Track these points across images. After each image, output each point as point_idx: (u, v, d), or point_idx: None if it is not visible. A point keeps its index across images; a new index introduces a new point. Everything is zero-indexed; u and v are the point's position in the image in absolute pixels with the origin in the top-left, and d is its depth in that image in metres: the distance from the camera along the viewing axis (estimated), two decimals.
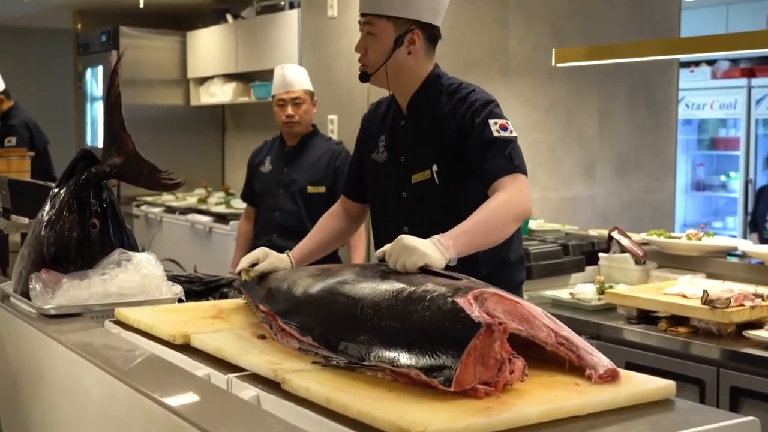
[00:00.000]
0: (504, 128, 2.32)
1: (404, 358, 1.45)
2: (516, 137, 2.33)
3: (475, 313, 1.48)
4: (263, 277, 2.12)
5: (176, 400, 1.47)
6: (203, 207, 6.96)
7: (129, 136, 2.36)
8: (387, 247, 1.85)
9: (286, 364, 1.59)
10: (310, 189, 3.99)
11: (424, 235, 2.01)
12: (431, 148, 2.41)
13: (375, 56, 2.38)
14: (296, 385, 1.47)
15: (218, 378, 1.64)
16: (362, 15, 2.38)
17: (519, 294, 2.57)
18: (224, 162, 8.39)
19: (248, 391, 1.55)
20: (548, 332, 1.60)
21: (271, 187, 4.09)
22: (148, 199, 7.58)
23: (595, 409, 1.43)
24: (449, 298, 1.52)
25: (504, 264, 2.50)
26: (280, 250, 4.03)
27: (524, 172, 2.29)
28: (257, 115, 7.74)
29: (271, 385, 1.54)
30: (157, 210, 7.32)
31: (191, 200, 7.30)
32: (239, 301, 2.21)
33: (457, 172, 2.37)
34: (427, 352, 1.44)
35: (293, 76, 4.10)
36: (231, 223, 6.31)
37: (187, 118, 8.14)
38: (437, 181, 2.38)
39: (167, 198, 7.45)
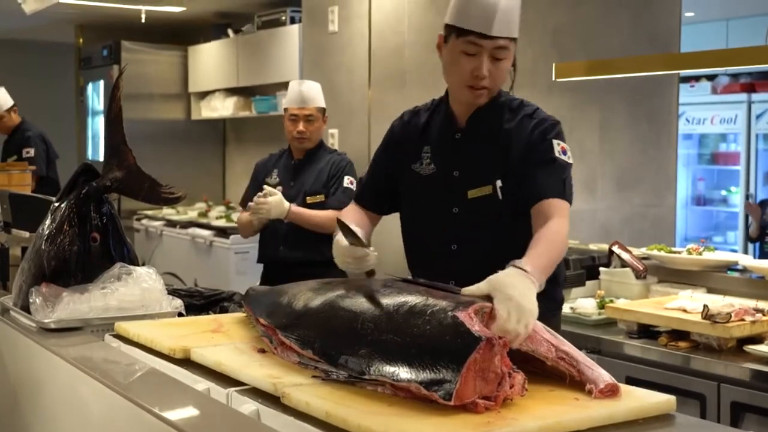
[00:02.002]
0: (564, 152, 2.28)
1: (404, 372, 1.45)
2: (572, 165, 2.30)
3: (476, 327, 1.48)
4: (264, 291, 2.13)
5: (176, 414, 1.46)
6: (204, 221, 6.97)
7: (130, 150, 2.36)
8: (502, 308, 1.62)
9: (286, 378, 1.59)
10: (309, 200, 4.00)
11: (472, 253, 2.08)
12: (494, 164, 2.32)
13: (502, 78, 2.32)
14: (296, 399, 1.47)
15: (218, 392, 1.64)
16: (489, 38, 2.22)
17: (559, 312, 2.54)
18: (225, 176, 8.41)
19: (248, 405, 1.54)
20: (548, 347, 1.60)
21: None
22: (149, 212, 7.58)
23: (595, 424, 1.43)
24: (450, 313, 1.52)
25: (554, 279, 2.43)
26: (288, 262, 3.95)
27: (571, 202, 2.25)
28: (258, 129, 7.75)
29: (271, 399, 1.54)
30: (157, 224, 7.33)
31: (192, 214, 7.31)
32: (239, 314, 2.21)
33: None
34: (427, 366, 1.44)
35: (309, 93, 4.11)
36: (232, 237, 6.31)
37: (188, 132, 8.16)
38: (500, 197, 2.29)
39: (168, 212, 7.46)
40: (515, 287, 1.66)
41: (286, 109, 4.13)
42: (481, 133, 2.35)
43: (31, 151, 6.64)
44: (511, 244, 2.09)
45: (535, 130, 2.30)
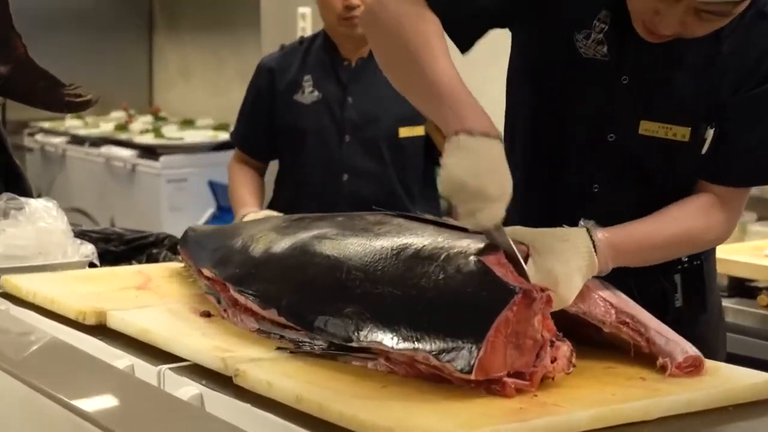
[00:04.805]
0: None
1: (407, 337, 1.45)
2: None
3: (509, 276, 1.49)
4: (208, 231, 2.13)
5: (89, 403, 1.47)
6: (123, 136, 6.94)
7: (19, 37, 2.35)
8: (531, 271, 1.61)
9: (241, 350, 1.60)
10: (404, 132, 3.40)
11: (621, 207, 1.88)
12: (699, 94, 1.98)
13: (705, 32, 1.91)
14: (254, 379, 1.48)
15: (146, 370, 1.65)
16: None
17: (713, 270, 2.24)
18: (152, 74, 8.36)
19: (188, 389, 1.55)
20: (606, 308, 1.61)
21: (325, 130, 3.44)
22: (46, 125, 7.56)
23: (667, 413, 1.44)
24: (472, 257, 1.52)
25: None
26: None
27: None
28: (199, 9, 7.68)
29: (220, 379, 1.55)
30: (58, 141, 7.30)
31: (106, 127, 7.28)
32: (175, 264, 2.22)
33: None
34: (439, 328, 1.44)
35: None
36: (162, 158, 6.30)
37: (99, 12, 8.09)
38: (704, 150, 1.98)
39: (72, 124, 7.42)
40: (564, 262, 1.64)
41: None
42: (683, 42, 1.96)
43: None
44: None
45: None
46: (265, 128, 3.49)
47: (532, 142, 2.11)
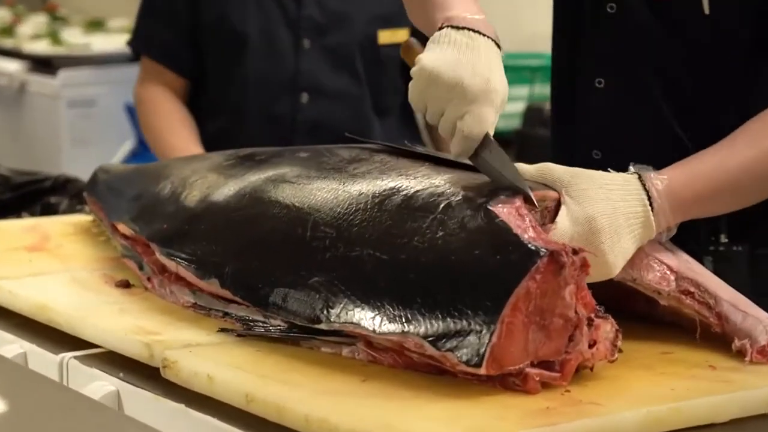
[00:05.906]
0: None
1: (393, 317, 1.46)
2: None
3: (530, 233, 1.49)
4: (126, 172, 2.13)
5: None
6: (8, 43, 6.91)
7: None
8: (560, 229, 1.67)
9: (171, 333, 1.62)
10: (384, 37, 3.35)
11: (634, 100, 1.92)
12: None
13: None
14: (189, 371, 1.49)
15: (43, 360, 1.66)
16: None
17: None
18: None
19: (100, 384, 1.57)
20: (663, 273, 1.63)
21: (275, 33, 3.35)
22: None
23: (744, 413, 1.45)
24: (481, 206, 1.53)
25: None
26: None
27: None
28: None
29: (143, 372, 1.56)
30: None
31: None
32: (80, 218, 2.24)
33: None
34: (436, 305, 1.45)
35: None
36: (62, 73, 6.27)
37: None
38: (706, 10, 1.95)
39: None
40: (610, 212, 1.66)
41: None
42: None
43: None
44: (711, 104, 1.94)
45: None
46: (188, 24, 3.34)
47: (557, 39, 2.16)
